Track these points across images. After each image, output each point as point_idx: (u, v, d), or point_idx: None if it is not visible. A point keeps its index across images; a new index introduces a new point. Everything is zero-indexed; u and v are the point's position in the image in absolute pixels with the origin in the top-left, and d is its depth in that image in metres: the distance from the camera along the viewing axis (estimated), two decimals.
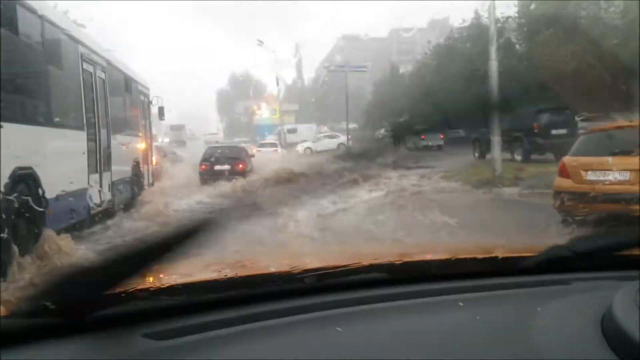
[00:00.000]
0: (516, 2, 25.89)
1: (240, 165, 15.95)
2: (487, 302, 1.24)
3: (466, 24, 29.54)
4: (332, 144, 35.11)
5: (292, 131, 43.66)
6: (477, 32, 23.25)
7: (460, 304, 1.18)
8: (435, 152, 24.95)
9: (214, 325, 1.02)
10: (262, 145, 32.02)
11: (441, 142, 27.39)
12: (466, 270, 1.37)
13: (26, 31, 5.99)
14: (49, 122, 6.47)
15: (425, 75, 31.46)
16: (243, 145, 23.77)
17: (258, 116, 54.89)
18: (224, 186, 13.59)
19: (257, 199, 10.90)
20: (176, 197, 11.72)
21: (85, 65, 8.03)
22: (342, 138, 35.74)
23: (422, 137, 29.62)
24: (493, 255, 1.43)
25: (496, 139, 13.74)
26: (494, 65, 13.76)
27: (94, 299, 0.96)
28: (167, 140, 40.36)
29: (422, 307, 1.19)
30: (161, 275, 1.20)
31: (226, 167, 15.63)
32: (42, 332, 0.94)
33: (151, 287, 1.08)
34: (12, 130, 5.24)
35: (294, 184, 14.56)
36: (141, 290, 1.03)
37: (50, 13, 6.93)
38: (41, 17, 6.39)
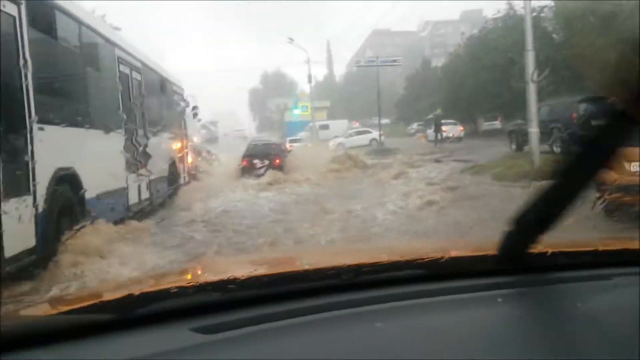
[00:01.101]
0: None
1: (277, 161, 17.26)
2: (527, 298, 1.23)
3: (500, 15, 28.86)
4: (364, 139, 34.94)
5: (324, 127, 43.69)
6: (512, 22, 22.68)
7: (499, 299, 1.16)
8: (456, 143, 25.49)
9: (257, 320, 1.04)
10: (290, 141, 32.61)
11: (461, 135, 27.81)
12: (509, 267, 1.34)
13: (65, 35, 6.17)
14: (88, 124, 6.65)
15: (459, 67, 30.92)
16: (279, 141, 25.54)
17: (289, 113, 55.19)
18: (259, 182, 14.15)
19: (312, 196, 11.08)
20: (212, 195, 11.93)
21: (121, 68, 8.22)
22: (375, 133, 35.50)
23: (444, 130, 30.00)
24: (540, 250, 1.40)
25: (534, 131, 13.40)
26: (530, 56, 13.41)
27: (143, 294, 0.98)
28: (199, 138, 41.06)
29: (460, 304, 1.18)
30: (204, 272, 1.22)
31: (265, 162, 16.99)
32: (93, 328, 0.98)
33: (197, 283, 1.10)
34: (53, 132, 5.42)
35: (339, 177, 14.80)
36: (187, 286, 1.05)
37: (88, 17, 7.12)
38: (79, 21, 6.57)
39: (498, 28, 28.56)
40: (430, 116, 37.16)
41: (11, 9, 4.80)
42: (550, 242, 1.44)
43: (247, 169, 16.79)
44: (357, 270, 1.22)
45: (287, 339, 1.00)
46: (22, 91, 4.89)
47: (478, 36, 32.21)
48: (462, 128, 28.78)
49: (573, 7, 20.58)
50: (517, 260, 1.36)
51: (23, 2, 4.95)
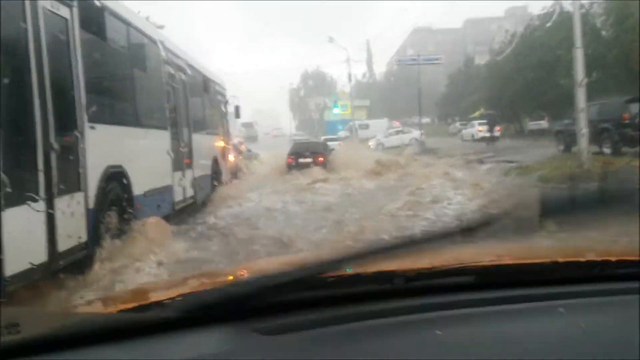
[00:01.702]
0: None
1: (321, 158, 18.18)
2: (592, 309, 1.18)
3: (547, 12, 28.01)
4: (404, 139, 34.62)
5: (364, 126, 43.63)
6: (559, 19, 21.96)
7: (561, 310, 1.12)
8: (492, 143, 25.09)
9: (315, 323, 1.05)
10: (327, 140, 32.81)
11: (497, 134, 27.53)
12: (565, 275, 1.29)
13: (114, 37, 6.34)
14: (136, 123, 6.83)
15: (503, 65, 30.18)
16: (323, 140, 26.79)
17: (329, 112, 55.31)
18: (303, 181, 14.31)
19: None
20: (254, 192, 12.07)
21: (167, 68, 8.41)
22: (415, 133, 35.12)
23: (479, 129, 29.53)
24: (593, 259, 1.34)
25: (582, 131, 12.93)
26: (579, 53, 12.94)
27: (206, 295, 0.98)
28: (240, 137, 41.71)
29: (521, 313, 1.15)
30: (257, 272, 1.23)
31: (309, 159, 17.96)
32: (155, 327, 1.00)
33: (255, 283, 1.11)
34: (103, 131, 5.59)
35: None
36: (252, 284, 1.07)
37: (136, 19, 7.31)
38: (128, 23, 6.76)
39: (545, 25, 27.73)
40: (475, 114, 36.43)
41: (64, 12, 4.97)
42: (604, 250, 1.38)
43: (292, 166, 17.73)
44: (410, 276, 1.19)
45: (350, 344, 1.00)
46: (74, 91, 5.05)
47: (523, 33, 31.36)
48: (499, 128, 28.33)
49: (624, 4, 19.72)
50: (573, 268, 1.31)
51: (75, 4, 5.12)
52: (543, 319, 1.11)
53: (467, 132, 34.50)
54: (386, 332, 1.04)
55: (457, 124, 42.18)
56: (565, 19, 19.08)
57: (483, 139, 27.72)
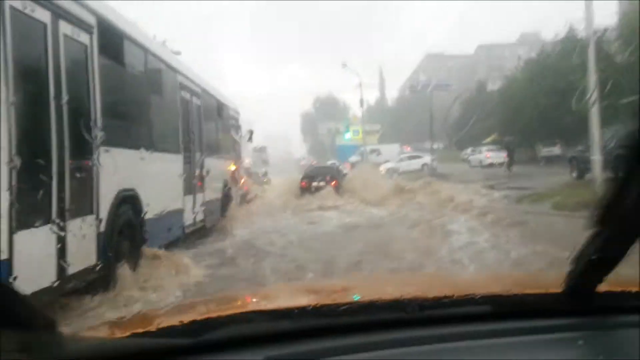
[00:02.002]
0: (616, 12, 24.32)
1: (334, 182, 18.31)
2: (611, 340, 1.16)
3: (560, 38, 28.12)
4: (415, 164, 34.56)
5: (375, 151, 43.60)
6: (572, 45, 22.03)
7: (580, 342, 1.11)
8: (499, 168, 25.86)
9: (328, 352, 1.04)
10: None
11: (504, 161, 27.71)
12: (579, 307, 1.26)
13: (130, 62, 6.45)
14: (150, 147, 6.88)
15: (516, 91, 30.22)
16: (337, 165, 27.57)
17: (341, 137, 55.54)
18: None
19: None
20: (265, 218, 12.06)
21: (182, 93, 8.52)
22: (427, 158, 35.06)
23: (488, 155, 29.68)
24: (609, 290, 1.31)
25: (596, 158, 12.82)
26: (592, 80, 12.93)
27: (217, 319, 0.98)
28: (251, 161, 41.97)
29: (538, 345, 1.13)
30: (266, 299, 1.22)
31: (322, 183, 18.18)
32: (166, 353, 0.99)
33: (274, 310, 1.10)
34: (117, 154, 5.64)
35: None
36: (264, 312, 1.05)
37: (153, 45, 7.44)
38: (145, 49, 6.88)
39: (558, 51, 27.82)
40: (488, 140, 36.38)
41: (84, 38, 5.09)
42: (618, 279, 1.34)
43: (306, 189, 17.95)
44: (422, 304, 1.18)
45: None
46: (90, 114, 5.12)
47: (537, 59, 31.47)
48: (505, 154, 28.60)
49: (635, 29, 19.77)
50: (588, 299, 1.27)
51: (95, 31, 5.24)
52: (562, 350, 1.10)
53: (475, 158, 34.56)
54: None
55: (469, 150, 42.15)
56: (579, 44, 19.13)
57: (491, 165, 27.77)
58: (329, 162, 36.34)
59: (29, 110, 4.18)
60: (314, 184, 18.20)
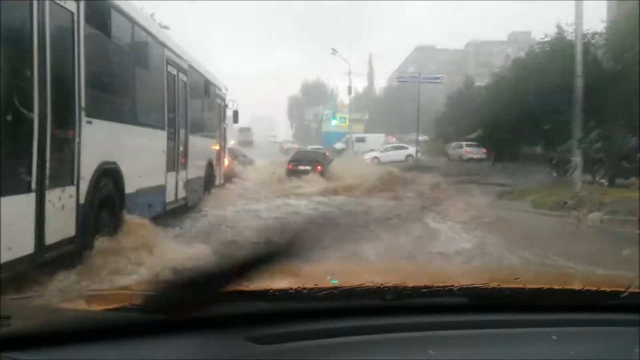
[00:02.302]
0: (604, 17, 24.54)
1: (319, 167, 18.96)
2: (582, 338, 1.19)
3: (549, 39, 28.26)
4: (399, 155, 34.77)
5: (361, 140, 43.67)
6: (560, 47, 22.18)
7: (554, 337, 1.13)
8: (479, 164, 27.30)
9: (308, 334, 1.06)
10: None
11: (484, 156, 29.69)
12: (558, 302, 1.29)
13: (117, 33, 6.33)
14: (133, 121, 6.80)
15: (503, 89, 30.40)
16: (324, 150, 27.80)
17: (327, 123, 55.49)
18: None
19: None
20: (247, 198, 12.03)
21: (169, 68, 8.40)
22: (411, 149, 35.30)
23: (468, 150, 30.54)
24: (587, 288, 1.34)
25: (577, 160, 13.05)
26: (579, 82, 13.09)
27: (202, 298, 0.98)
28: (235, 141, 41.68)
29: (514, 338, 1.16)
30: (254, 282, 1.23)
31: (308, 167, 18.74)
32: (145, 328, 0.98)
33: (255, 291, 1.11)
34: (100, 127, 5.55)
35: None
36: (244, 293, 1.05)
37: (141, 17, 7.30)
38: (133, 20, 6.75)
39: (546, 52, 28.00)
40: (473, 135, 36.73)
41: (71, 5, 4.97)
42: (592, 279, 1.38)
43: (292, 172, 18.51)
44: (401, 293, 1.19)
45: (340, 357, 1.01)
46: (74, 84, 5.02)
47: (525, 58, 31.65)
48: (484, 150, 30.51)
49: (623, 36, 20.02)
50: (566, 297, 1.30)
51: None
52: (535, 345, 1.12)
53: (455, 152, 35.08)
54: (379, 348, 1.04)
55: (454, 144, 42.46)
56: (566, 47, 19.31)
57: (470, 160, 28.49)
58: (313, 147, 36.31)
59: (12, 77, 4.09)
60: (300, 167, 18.76)
